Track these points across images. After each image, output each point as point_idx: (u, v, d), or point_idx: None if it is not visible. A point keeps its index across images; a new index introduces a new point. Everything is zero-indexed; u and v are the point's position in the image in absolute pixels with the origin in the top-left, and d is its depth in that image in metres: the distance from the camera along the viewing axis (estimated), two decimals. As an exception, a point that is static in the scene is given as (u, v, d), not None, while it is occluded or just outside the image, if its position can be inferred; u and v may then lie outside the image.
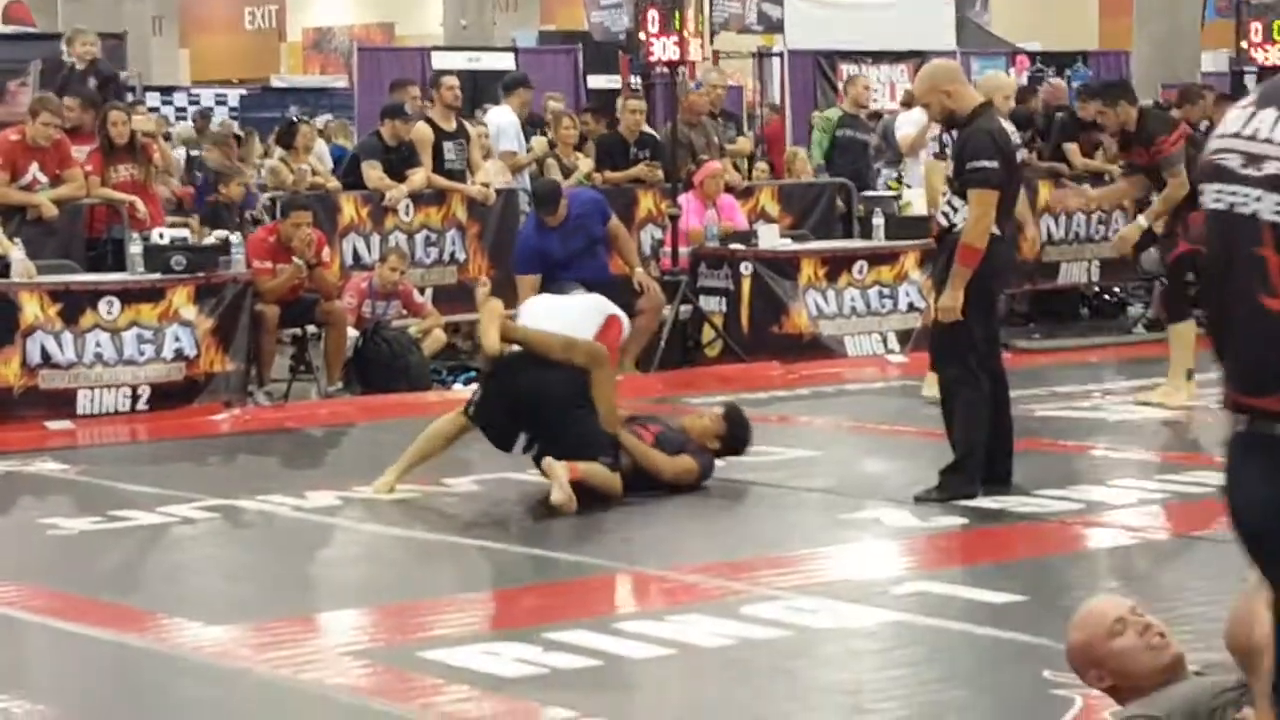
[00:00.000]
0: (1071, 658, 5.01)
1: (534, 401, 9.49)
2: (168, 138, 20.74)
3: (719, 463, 9.99)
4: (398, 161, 15.31)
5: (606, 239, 14.20)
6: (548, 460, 9.34)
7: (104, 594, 7.91)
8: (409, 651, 6.83)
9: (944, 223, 9.57)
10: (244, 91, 33.53)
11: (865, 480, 10.39)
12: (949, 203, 9.53)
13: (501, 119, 16.82)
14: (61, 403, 12.28)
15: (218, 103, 30.73)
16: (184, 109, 29.80)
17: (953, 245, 9.38)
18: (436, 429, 9.85)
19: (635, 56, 16.19)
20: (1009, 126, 9.62)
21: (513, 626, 7.23)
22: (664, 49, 14.88)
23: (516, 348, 9.67)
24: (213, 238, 13.40)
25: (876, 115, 19.40)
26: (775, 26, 27.70)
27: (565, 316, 9.94)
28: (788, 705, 6.33)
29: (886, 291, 15.28)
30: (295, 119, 18.42)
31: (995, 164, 9.29)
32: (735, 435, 10.12)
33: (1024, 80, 23.18)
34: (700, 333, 14.95)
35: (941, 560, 8.55)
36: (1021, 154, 9.66)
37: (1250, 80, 22.60)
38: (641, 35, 14.98)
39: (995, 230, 9.36)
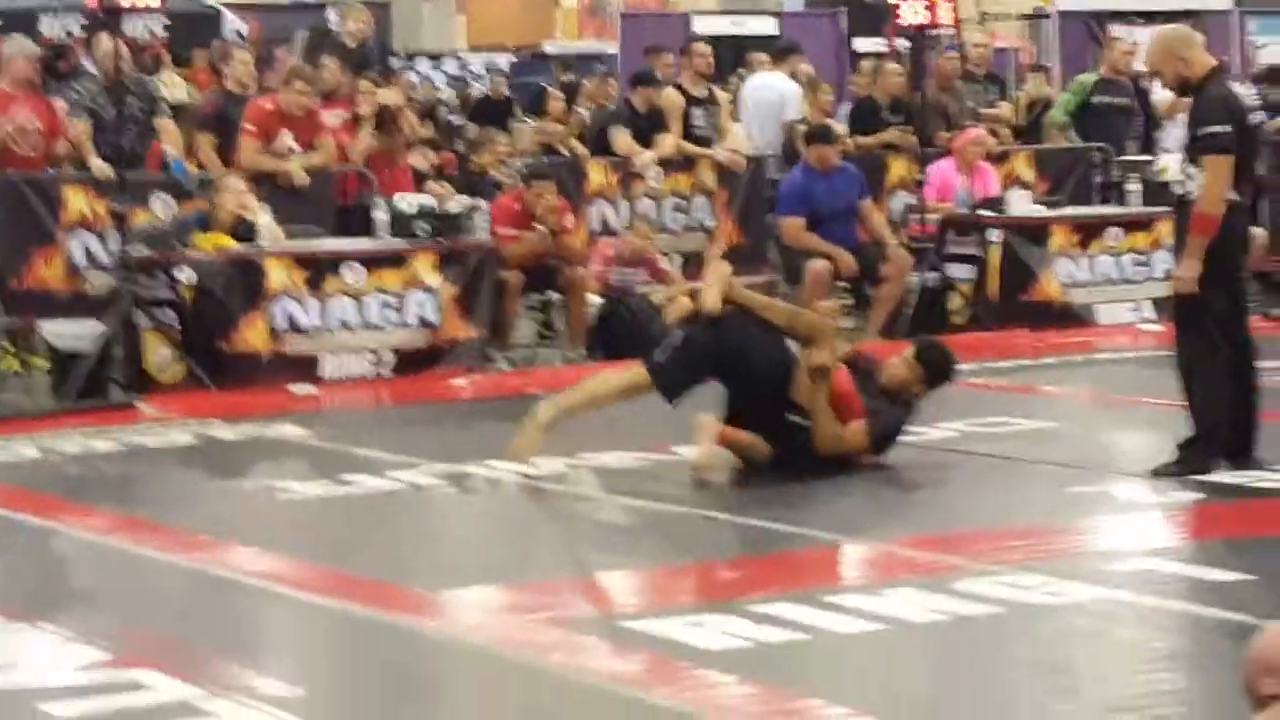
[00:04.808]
0: (1253, 659, 4.79)
1: (736, 364, 9.45)
2: (436, 106, 20.99)
3: (944, 431, 9.83)
4: (647, 128, 15.31)
5: (858, 212, 14.40)
6: (700, 416, 9.37)
7: (321, 559, 8.00)
8: (611, 621, 6.81)
9: (1179, 191, 9.35)
10: (514, 58, 33.74)
11: (1102, 452, 10.15)
12: (1184, 171, 9.30)
13: (785, 87, 16.74)
14: (306, 368, 12.48)
15: (488, 69, 30.98)
16: (457, 77, 30.08)
17: (1189, 214, 9.16)
18: (619, 380, 9.77)
19: (899, 20, 16.04)
20: (1245, 90, 9.35)
21: (719, 599, 7.15)
22: (914, 13, 14.68)
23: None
24: (458, 204, 13.49)
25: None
26: (1049, -14, 27.27)
27: None
28: (996, 684, 6.21)
29: (1141, 259, 14.95)
30: (544, 86, 18.50)
31: (1228, 128, 9.06)
32: (935, 371, 9.79)
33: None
34: (948, 300, 14.76)
35: (1170, 536, 8.34)
36: (1257, 118, 9.37)
37: None
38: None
39: (1233, 196, 9.12)
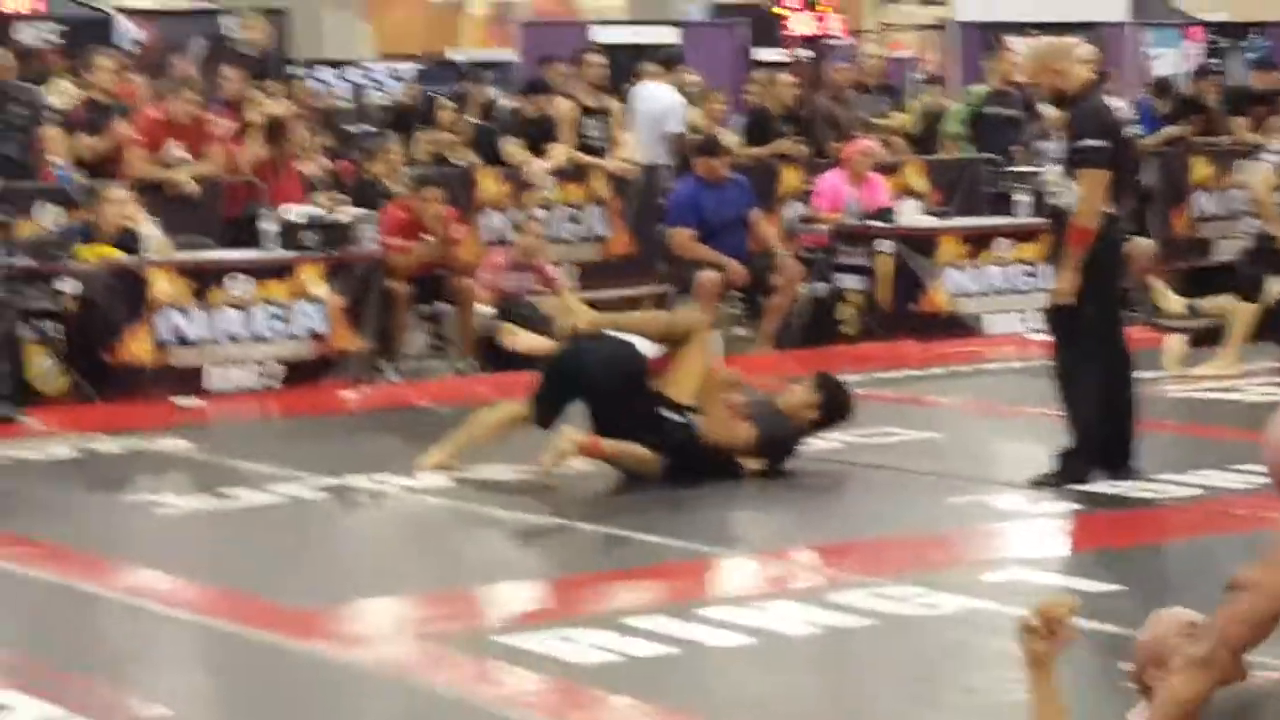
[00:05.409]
0: (1137, 654, 4.86)
1: (589, 379, 9.54)
2: (334, 114, 20.86)
3: (828, 442, 9.85)
4: (539, 137, 15.29)
5: (748, 222, 14.42)
6: (565, 427, 9.42)
7: (196, 575, 7.94)
8: (483, 636, 6.79)
9: (1056, 203, 9.39)
10: (420, 66, 33.55)
11: (982, 463, 10.21)
12: (1061, 183, 9.35)
13: (669, 99, 16.72)
14: (191, 379, 12.41)
15: (392, 77, 30.78)
16: (360, 85, 29.88)
17: (1065, 227, 9.21)
18: (495, 417, 9.92)
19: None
20: (1119, 103, 9.41)
21: (592, 612, 7.15)
22: (804, 24, 14.75)
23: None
24: (347, 215, 13.42)
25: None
26: (946, -2, 27.40)
27: None
28: (865, 697, 6.23)
29: (1029, 269, 15.03)
30: (431, 95, 18.43)
31: (1105, 143, 9.10)
32: (832, 404, 9.84)
33: (1194, 54, 22.74)
34: (838, 310, 14.81)
35: (1043, 547, 8.38)
36: (1132, 130, 9.44)
37: None
38: (779, 10, 14.86)
39: (1109, 209, 9.18)
